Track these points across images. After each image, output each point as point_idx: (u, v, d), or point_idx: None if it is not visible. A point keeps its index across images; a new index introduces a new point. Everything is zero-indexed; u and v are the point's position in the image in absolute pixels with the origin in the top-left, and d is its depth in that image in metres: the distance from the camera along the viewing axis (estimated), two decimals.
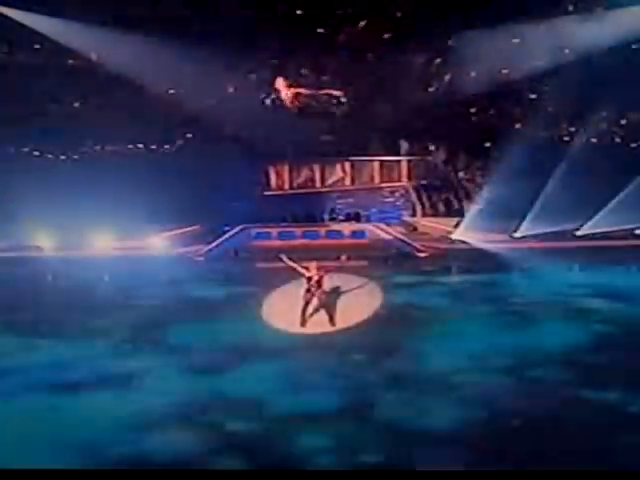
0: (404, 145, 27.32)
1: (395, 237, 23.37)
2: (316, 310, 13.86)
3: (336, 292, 15.46)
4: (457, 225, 24.22)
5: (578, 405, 10.22)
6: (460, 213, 24.98)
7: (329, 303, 14.08)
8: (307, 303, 13.75)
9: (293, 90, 14.48)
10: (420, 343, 12.83)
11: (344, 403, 10.20)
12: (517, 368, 11.64)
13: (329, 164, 27.54)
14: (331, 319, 13.74)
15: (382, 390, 10.79)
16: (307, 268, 13.77)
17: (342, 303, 15.08)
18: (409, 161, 27.49)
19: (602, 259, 20.38)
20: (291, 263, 14.29)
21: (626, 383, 10.72)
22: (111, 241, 23.33)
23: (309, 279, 13.55)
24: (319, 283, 13.59)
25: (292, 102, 14.36)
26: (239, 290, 17.87)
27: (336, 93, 15.78)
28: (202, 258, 23.03)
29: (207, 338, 13.45)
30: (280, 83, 14.53)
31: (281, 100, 14.57)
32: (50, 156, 25.10)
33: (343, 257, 14.31)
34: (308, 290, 13.59)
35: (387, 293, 16.38)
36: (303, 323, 13.76)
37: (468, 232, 23.94)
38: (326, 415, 9.88)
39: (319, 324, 13.75)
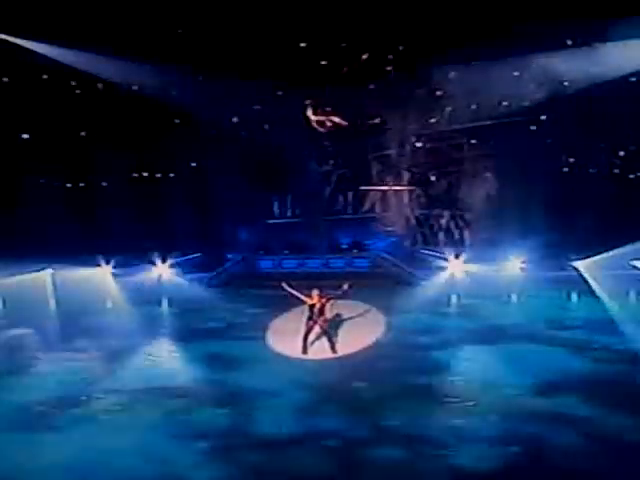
0: (405, 175, 27.55)
1: (397, 265, 23.49)
2: (318, 337, 13.93)
3: (338, 320, 15.53)
4: (457, 255, 24.36)
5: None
6: (461, 243, 25.12)
7: (331, 331, 14.15)
8: (309, 330, 13.79)
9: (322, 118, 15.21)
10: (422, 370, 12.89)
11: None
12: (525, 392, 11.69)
13: (332, 193, 27.79)
14: (332, 347, 13.80)
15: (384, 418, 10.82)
16: (309, 296, 13.83)
17: (344, 331, 15.16)
18: (410, 191, 27.78)
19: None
20: (293, 291, 14.33)
21: None
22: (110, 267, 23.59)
23: (311, 307, 13.59)
24: (321, 311, 13.62)
25: (322, 127, 15.13)
26: (243, 318, 18.04)
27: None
28: (205, 286, 23.18)
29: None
30: (310, 112, 15.13)
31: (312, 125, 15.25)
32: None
33: (345, 285, 14.36)
34: (310, 318, 13.62)
35: (389, 321, 16.49)
36: (304, 350, 13.81)
37: (469, 261, 24.09)
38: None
39: (320, 351, 13.81)
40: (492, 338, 15.13)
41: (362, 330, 15.42)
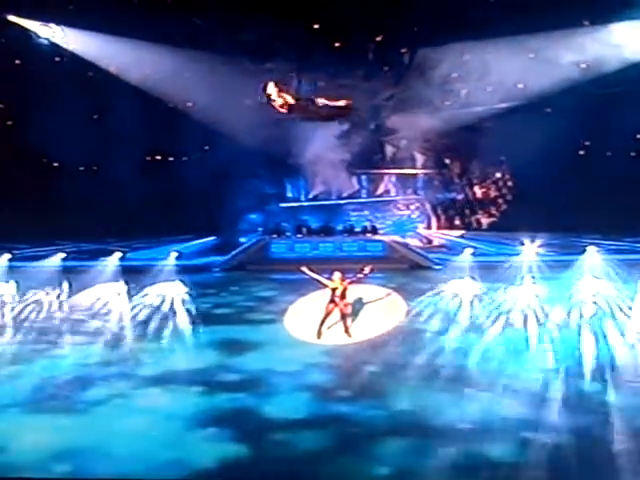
0: (420, 158, 27.37)
1: (411, 250, 23.35)
2: (337, 321, 13.70)
3: (360, 304, 15.33)
4: (473, 238, 24.22)
5: None
6: (475, 226, 24.96)
7: (352, 315, 13.94)
8: (327, 314, 13.50)
9: (284, 96, 14.22)
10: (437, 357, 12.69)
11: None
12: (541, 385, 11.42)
13: (345, 176, 27.68)
14: (347, 330, 13.54)
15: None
16: (331, 279, 13.58)
17: (366, 315, 14.98)
18: (425, 174, 27.71)
19: None
20: (314, 275, 13.79)
21: None
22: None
23: (333, 290, 13.34)
24: (343, 294, 13.38)
25: (282, 107, 14.11)
26: (257, 302, 17.89)
27: (338, 103, 15.40)
28: (218, 269, 23.12)
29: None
30: (271, 88, 14.18)
31: (272, 104, 14.25)
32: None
33: (366, 268, 14.09)
34: (332, 301, 13.39)
35: (407, 305, 16.32)
36: (319, 335, 13.55)
37: (484, 245, 23.94)
38: None
39: (337, 336, 13.60)
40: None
41: (383, 314, 15.25)
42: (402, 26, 23.27)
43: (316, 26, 23.35)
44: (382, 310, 15.58)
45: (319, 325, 13.65)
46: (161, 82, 23.90)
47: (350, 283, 13.54)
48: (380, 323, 14.55)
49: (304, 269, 14.16)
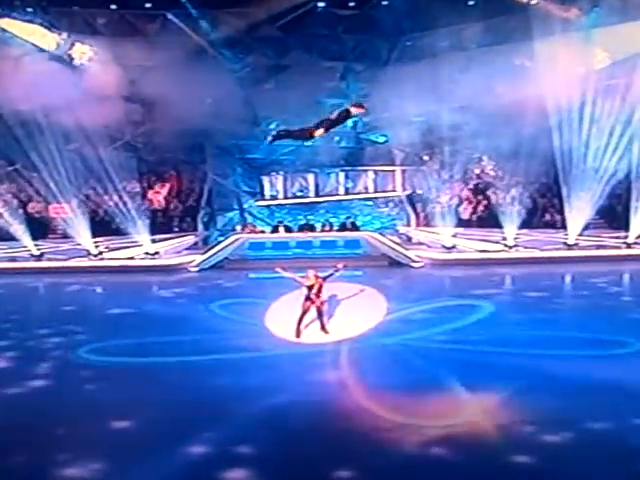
0: (399, 155, 27.19)
1: (389, 247, 23.14)
2: (314, 319, 13.46)
3: (335, 300, 15.13)
4: (453, 235, 24.07)
5: None
6: (455, 223, 24.76)
7: (327, 311, 13.69)
8: (305, 312, 13.27)
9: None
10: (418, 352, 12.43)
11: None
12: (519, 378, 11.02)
13: (323, 174, 27.47)
14: (323, 327, 13.32)
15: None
16: (306, 277, 13.34)
17: (341, 311, 14.76)
18: (403, 171, 27.44)
19: None
20: (287, 274, 13.64)
21: None
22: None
23: (309, 288, 13.08)
24: (319, 291, 13.16)
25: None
26: (235, 301, 17.54)
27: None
28: (197, 269, 22.78)
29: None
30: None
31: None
32: None
33: (340, 265, 13.89)
34: (308, 298, 13.13)
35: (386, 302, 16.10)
36: (298, 334, 13.33)
37: (464, 242, 23.81)
38: None
39: (315, 334, 13.36)
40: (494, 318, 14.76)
41: (360, 311, 15.01)
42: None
43: None
44: (361, 307, 15.35)
45: (297, 324, 13.36)
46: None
47: (324, 280, 13.27)
48: (359, 321, 14.28)
49: (278, 269, 13.96)
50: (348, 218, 25.58)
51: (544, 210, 24.35)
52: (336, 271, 13.62)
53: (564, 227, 23.06)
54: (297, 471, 7.68)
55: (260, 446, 8.17)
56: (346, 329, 13.62)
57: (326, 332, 13.29)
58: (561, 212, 23.36)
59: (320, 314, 13.32)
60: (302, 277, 13.35)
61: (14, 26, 22.47)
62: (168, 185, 26.73)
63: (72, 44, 24.01)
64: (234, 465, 7.66)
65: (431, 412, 9.18)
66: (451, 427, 8.62)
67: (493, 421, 8.88)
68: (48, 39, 23.45)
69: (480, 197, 25.20)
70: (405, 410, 9.19)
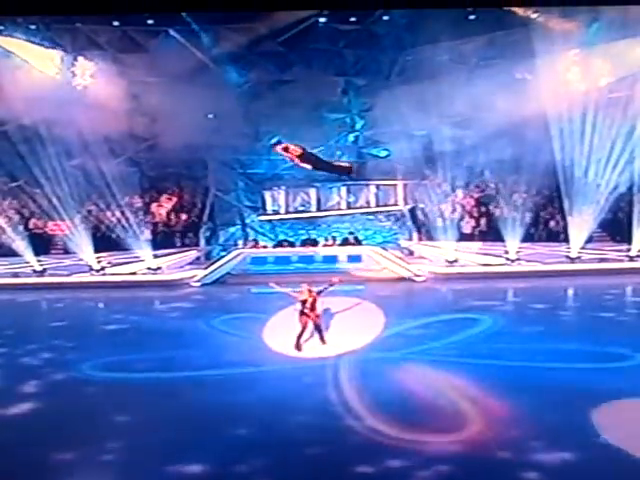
0: (400, 169, 27.13)
1: (391, 261, 23.01)
2: (312, 334, 13.45)
3: (329, 314, 15.11)
4: (455, 249, 23.92)
5: None
6: (458, 237, 24.62)
7: (322, 325, 13.67)
8: (304, 327, 13.32)
9: (295, 148, 14.38)
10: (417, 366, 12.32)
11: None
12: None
13: (325, 188, 27.41)
14: (322, 338, 13.36)
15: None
16: (300, 292, 13.34)
17: (336, 325, 14.70)
18: (405, 185, 27.29)
19: None
20: (281, 289, 13.67)
21: None
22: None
23: (304, 302, 13.12)
24: (313, 306, 13.15)
25: (298, 157, 14.22)
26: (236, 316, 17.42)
27: (341, 164, 15.49)
28: (198, 284, 22.67)
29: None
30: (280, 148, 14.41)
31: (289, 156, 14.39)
32: None
33: (335, 279, 13.92)
34: (303, 313, 13.14)
35: (383, 316, 15.99)
36: (299, 347, 13.32)
37: (466, 255, 23.66)
38: None
39: (315, 348, 13.31)
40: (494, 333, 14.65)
41: (356, 325, 14.94)
42: None
43: None
44: (358, 321, 15.29)
45: (297, 338, 13.38)
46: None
47: (318, 294, 13.28)
48: (358, 335, 14.20)
49: (272, 284, 14.08)
50: (351, 234, 25.42)
51: (546, 223, 24.21)
52: (330, 285, 13.68)
53: (567, 240, 22.88)
54: None
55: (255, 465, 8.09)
56: (344, 344, 13.55)
57: (324, 342, 13.41)
58: (564, 225, 23.21)
59: (318, 327, 13.39)
60: (296, 292, 13.40)
61: (14, 45, 22.47)
62: (175, 199, 26.67)
63: (74, 60, 24.05)
64: None
65: (434, 427, 9.08)
66: (454, 443, 8.53)
67: (497, 436, 8.78)
68: (48, 59, 23.42)
69: (482, 209, 25.02)
70: (407, 426, 9.09)
